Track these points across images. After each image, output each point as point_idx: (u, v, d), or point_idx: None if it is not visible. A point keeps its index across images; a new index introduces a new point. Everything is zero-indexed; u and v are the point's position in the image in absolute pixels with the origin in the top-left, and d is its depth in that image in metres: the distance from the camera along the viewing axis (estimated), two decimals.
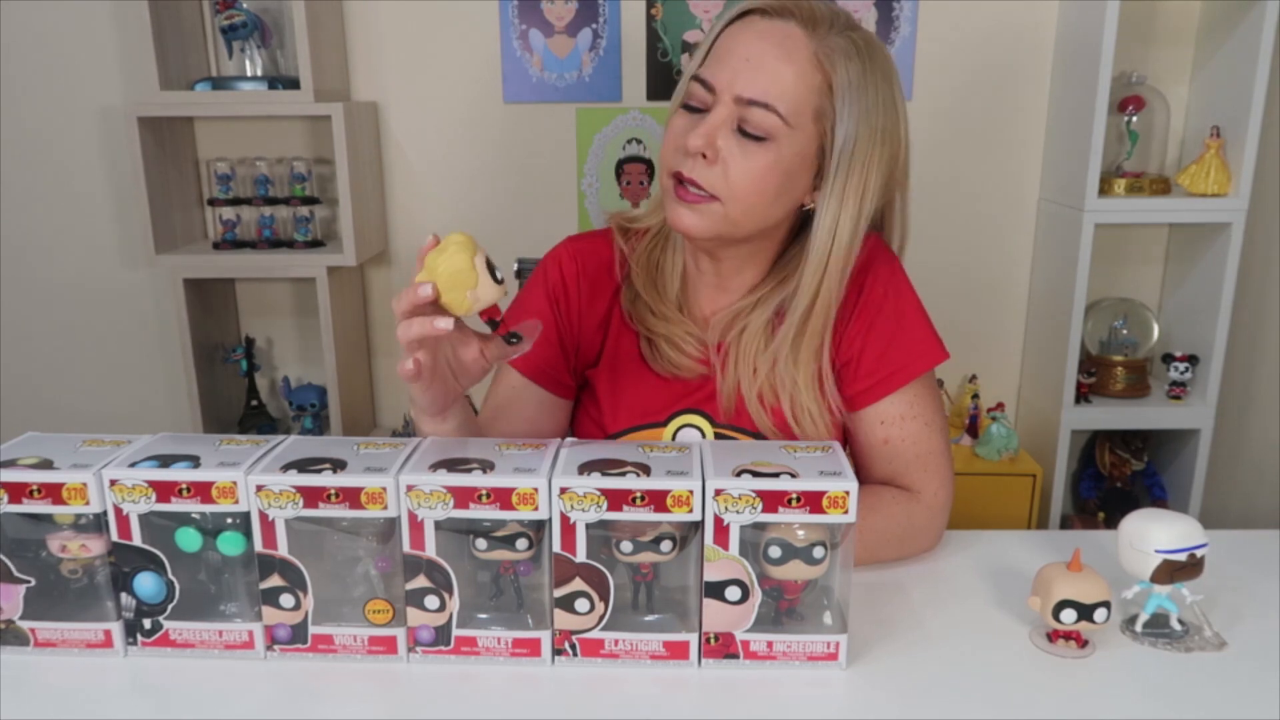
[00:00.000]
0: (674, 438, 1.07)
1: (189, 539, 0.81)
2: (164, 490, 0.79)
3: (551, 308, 1.10)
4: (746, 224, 0.98)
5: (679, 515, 0.77)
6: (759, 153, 0.94)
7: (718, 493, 0.77)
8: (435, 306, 0.84)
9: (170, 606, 0.83)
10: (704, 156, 0.95)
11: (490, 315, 0.87)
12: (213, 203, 2.19)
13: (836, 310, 1.02)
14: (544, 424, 1.11)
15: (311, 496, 0.79)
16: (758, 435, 1.06)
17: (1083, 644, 0.85)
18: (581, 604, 0.81)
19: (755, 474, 0.78)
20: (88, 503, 0.79)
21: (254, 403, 2.30)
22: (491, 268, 0.84)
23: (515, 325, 0.88)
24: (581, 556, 0.79)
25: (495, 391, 1.13)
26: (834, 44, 0.94)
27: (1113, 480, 2.24)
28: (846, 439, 1.11)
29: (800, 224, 1.05)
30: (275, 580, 0.82)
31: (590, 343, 1.11)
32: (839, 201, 0.97)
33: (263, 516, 0.80)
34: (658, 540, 0.79)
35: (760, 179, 0.95)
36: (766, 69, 0.93)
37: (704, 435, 1.07)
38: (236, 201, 2.17)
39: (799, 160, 0.96)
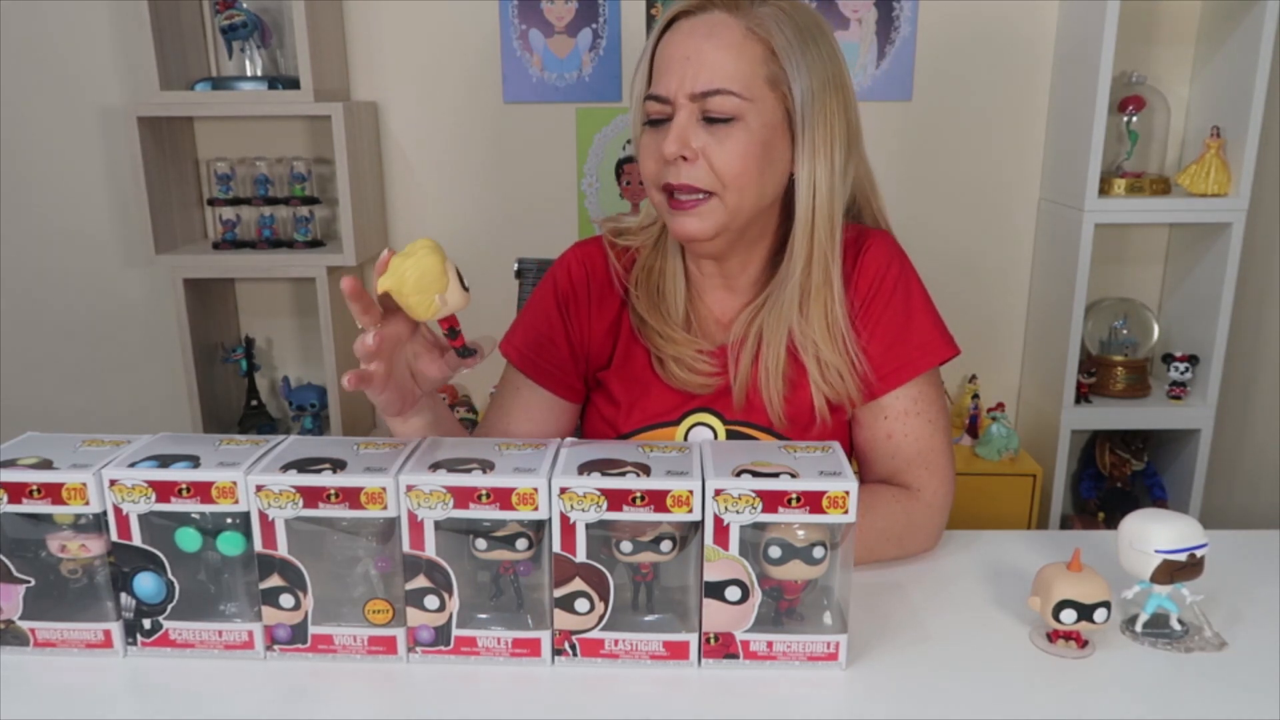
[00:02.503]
0: (686, 436, 1.07)
1: (189, 539, 0.81)
2: (164, 490, 0.79)
3: (561, 314, 1.11)
4: (744, 208, 0.99)
5: (679, 515, 0.77)
6: (732, 134, 0.96)
7: (717, 493, 0.77)
8: (395, 313, 0.86)
9: (170, 606, 0.82)
10: (684, 159, 0.96)
11: (450, 324, 0.87)
12: (213, 203, 2.19)
13: (839, 271, 1.02)
14: (551, 427, 1.12)
15: (311, 496, 0.79)
16: (769, 429, 1.06)
17: (1083, 644, 0.85)
18: (581, 604, 0.81)
19: (755, 474, 0.78)
20: (87, 503, 0.79)
21: (254, 403, 2.30)
22: (459, 276, 0.84)
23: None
24: (581, 556, 0.79)
25: (502, 393, 1.13)
26: (762, 14, 0.96)
27: (1113, 480, 2.24)
28: (848, 435, 1.11)
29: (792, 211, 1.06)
30: (275, 580, 0.82)
31: (601, 347, 1.11)
32: (811, 155, 0.99)
33: (262, 516, 0.80)
34: (658, 540, 0.79)
35: (743, 158, 0.96)
36: (707, 60, 0.95)
37: (716, 433, 1.07)
38: (236, 201, 2.17)
39: (770, 130, 0.97)
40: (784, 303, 1.03)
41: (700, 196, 0.97)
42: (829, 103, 0.98)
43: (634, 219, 1.13)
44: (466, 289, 0.84)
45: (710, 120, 0.96)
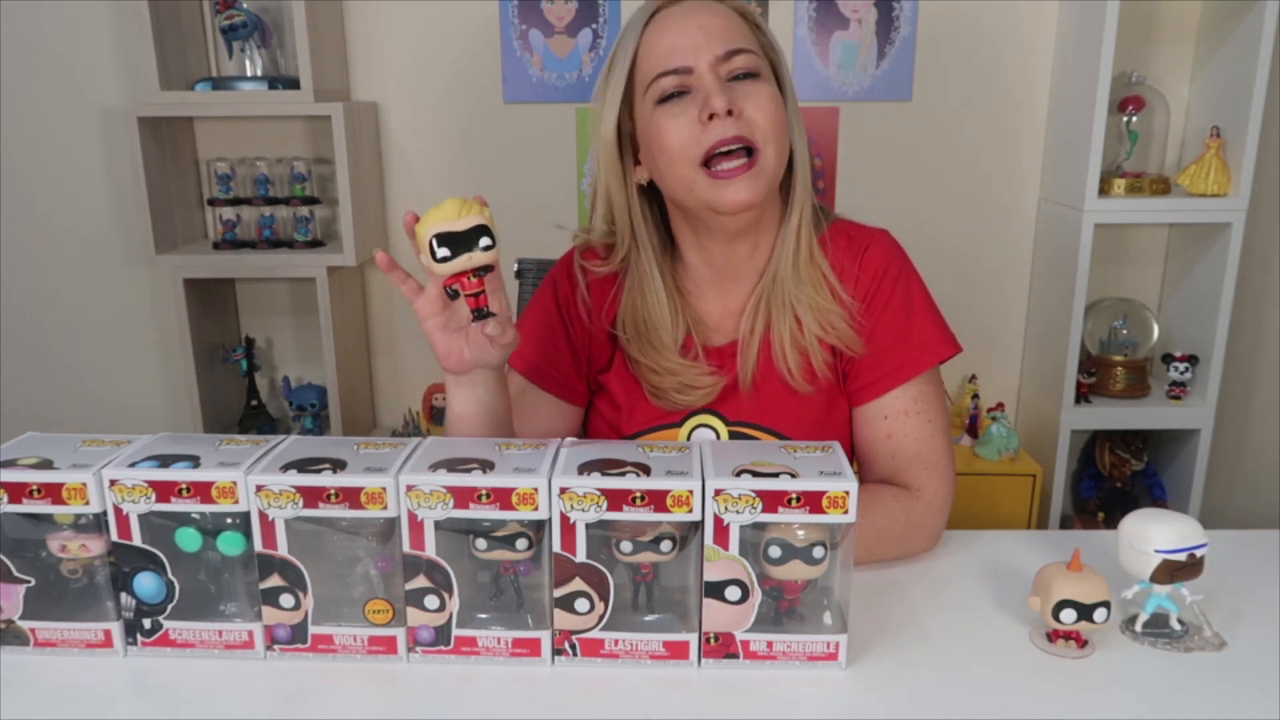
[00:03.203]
0: (688, 438, 1.07)
1: (189, 539, 0.81)
2: (164, 490, 0.79)
3: (562, 318, 1.11)
4: (778, 163, 1.01)
5: (679, 515, 0.77)
6: (759, 87, 0.99)
7: (717, 493, 0.77)
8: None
9: (170, 606, 0.83)
10: (729, 114, 0.96)
11: (448, 284, 0.88)
12: (213, 203, 2.19)
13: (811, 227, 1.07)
14: (554, 430, 1.12)
15: (311, 496, 0.79)
16: (772, 430, 1.06)
17: (1083, 644, 0.85)
18: (581, 604, 0.81)
19: (755, 474, 0.78)
20: (88, 503, 0.79)
21: (254, 403, 2.30)
22: (433, 246, 0.84)
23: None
24: (581, 556, 0.79)
25: None
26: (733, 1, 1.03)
27: (1113, 480, 2.24)
28: (849, 435, 1.11)
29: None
30: (275, 580, 0.82)
31: (601, 350, 1.11)
32: (798, 119, 1.05)
33: (263, 516, 0.80)
34: (658, 540, 0.79)
35: (774, 108, 0.99)
36: (719, 26, 1.00)
37: (718, 434, 1.07)
38: (236, 201, 2.17)
39: (777, 88, 1.02)
40: (784, 265, 1.05)
41: (743, 161, 0.97)
42: (790, 77, 1.05)
43: (597, 235, 1.12)
44: (438, 259, 0.85)
45: (735, 79, 0.98)
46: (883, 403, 1.05)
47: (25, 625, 0.84)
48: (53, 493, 0.79)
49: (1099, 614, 0.82)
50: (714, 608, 0.80)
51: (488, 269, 0.87)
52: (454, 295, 0.88)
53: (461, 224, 0.84)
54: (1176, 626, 0.87)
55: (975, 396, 2.24)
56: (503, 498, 0.78)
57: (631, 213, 1.06)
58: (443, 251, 0.84)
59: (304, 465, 0.80)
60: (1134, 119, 2.06)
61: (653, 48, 1.00)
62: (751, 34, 1.02)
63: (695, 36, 0.98)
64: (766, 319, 1.06)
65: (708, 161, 0.97)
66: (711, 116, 0.96)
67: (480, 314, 0.88)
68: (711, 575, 0.79)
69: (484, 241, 0.85)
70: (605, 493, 0.77)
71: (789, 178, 1.06)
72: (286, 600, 0.82)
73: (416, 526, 0.79)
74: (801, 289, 1.05)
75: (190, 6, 2.11)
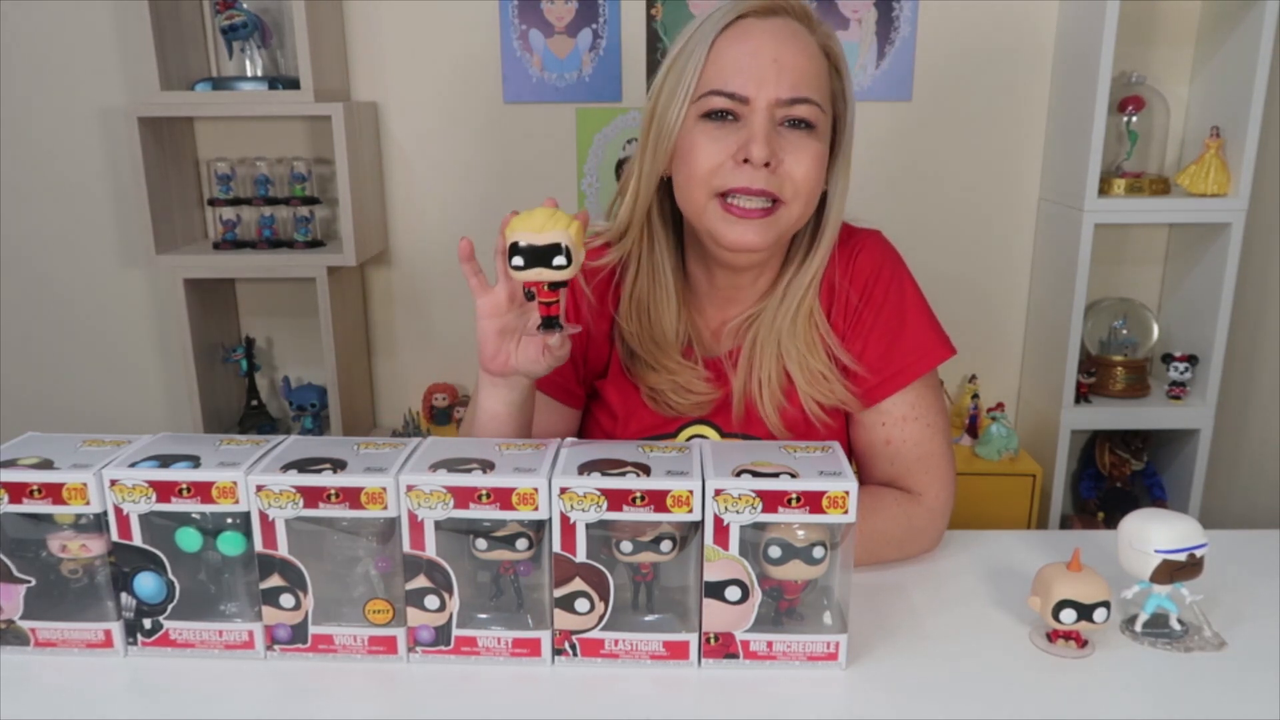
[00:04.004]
0: None
1: (189, 539, 0.81)
2: (164, 490, 0.79)
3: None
4: (800, 219, 0.99)
5: (679, 515, 0.77)
6: (808, 144, 0.95)
7: (718, 493, 0.77)
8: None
9: (170, 606, 0.83)
10: (765, 165, 0.93)
11: (528, 285, 0.87)
12: (213, 203, 2.19)
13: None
14: (555, 431, 1.11)
15: (311, 496, 0.79)
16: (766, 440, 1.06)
17: (1082, 644, 0.85)
18: (581, 604, 0.81)
19: (755, 474, 0.78)
20: (88, 503, 0.79)
21: (254, 403, 2.30)
22: (509, 253, 0.83)
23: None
24: (581, 556, 0.79)
25: None
26: (825, 29, 0.98)
27: (1113, 480, 2.24)
28: (848, 440, 1.11)
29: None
30: (275, 580, 0.82)
31: (599, 354, 1.11)
32: (845, 173, 1.01)
33: (263, 516, 0.80)
34: (658, 540, 0.79)
35: (816, 169, 0.96)
36: (796, 66, 0.94)
37: None
38: (237, 201, 2.17)
39: (827, 145, 0.99)
40: (781, 314, 1.03)
41: (764, 207, 0.95)
42: (854, 119, 1.01)
43: (603, 224, 1.10)
44: (512, 266, 0.84)
45: (792, 126, 0.95)
46: (880, 409, 1.05)
47: (25, 625, 0.84)
48: (53, 493, 0.79)
49: (1099, 614, 0.82)
50: (714, 608, 0.80)
51: (562, 283, 0.86)
52: (530, 297, 0.88)
53: (540, 238, 0.83)
54: (1176, 626, 0.87)
55: (975, 396, 2.24)
56: (503, 498, 0.78)
57: (655, 203, 1.04)
58: (516, 260, 0.84)
59: (304, 465, 0.80)
60: (1134, 119, 2.06)
61: (721, 56, 0.95)
62: (827, 80, 0.97)
63: (767, 68, 0.93)
64: (752, 347, 1.05)
65: (726, 193, 0.95)
66: (747, 160, 0.93)
67: (549, 323, 0.88)
68: (711, 575, 0.79)
69: (557, 260, 0.83)
70: (605, 493, 0.77)
71: (817, 226, 1.03)
72: (287, 600, 0.82)
73: (417, 526, 0.79)
74: (794, 342, 1.03)
75: (190, 6, 2.10)
